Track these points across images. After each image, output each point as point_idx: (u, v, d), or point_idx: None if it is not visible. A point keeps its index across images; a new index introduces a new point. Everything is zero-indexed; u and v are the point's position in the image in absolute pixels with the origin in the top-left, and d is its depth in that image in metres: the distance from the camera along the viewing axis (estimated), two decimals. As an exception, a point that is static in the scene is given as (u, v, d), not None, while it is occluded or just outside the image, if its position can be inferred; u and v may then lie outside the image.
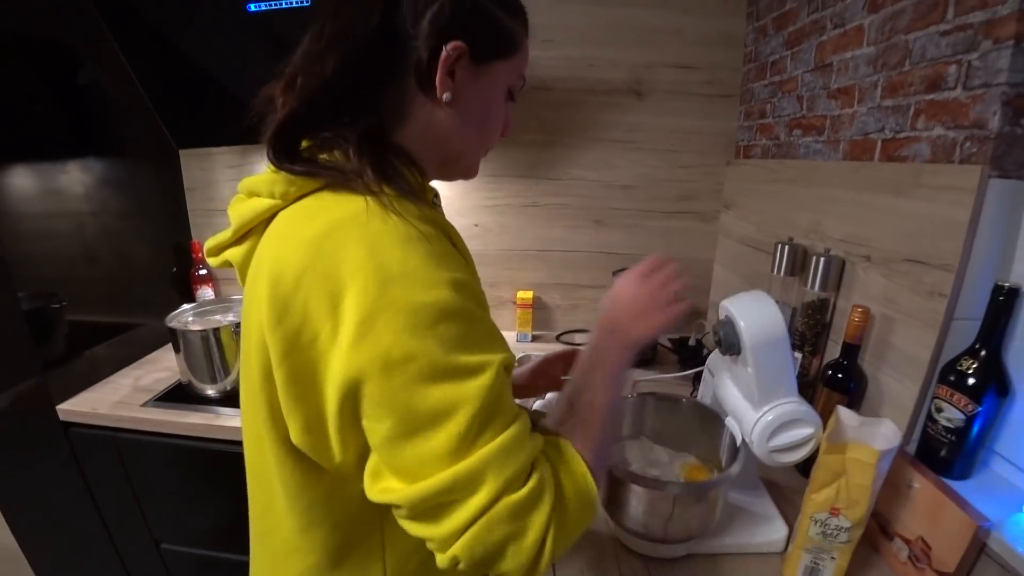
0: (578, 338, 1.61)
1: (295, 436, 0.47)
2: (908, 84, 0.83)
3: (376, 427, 0.43)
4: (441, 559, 0.45)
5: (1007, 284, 0.66)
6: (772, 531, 0.78)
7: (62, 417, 1.19)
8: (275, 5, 1.11)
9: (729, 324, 0.71)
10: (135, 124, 1.42)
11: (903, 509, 0.72)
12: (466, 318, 0.44)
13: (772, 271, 1.06)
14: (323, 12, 0.50)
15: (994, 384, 0.68)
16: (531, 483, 0.45)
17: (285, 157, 0.49)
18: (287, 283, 0.43)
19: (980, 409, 0.68)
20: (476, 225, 1.59)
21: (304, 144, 0.50)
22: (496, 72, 0.55)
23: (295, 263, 0.43)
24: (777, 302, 1.04)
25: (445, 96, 0.51)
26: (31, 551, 1.27)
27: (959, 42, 0.73)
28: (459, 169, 0.59)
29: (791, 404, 0.69)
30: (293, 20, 1.13)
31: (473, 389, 0.42)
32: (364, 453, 0.47)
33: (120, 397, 1.24)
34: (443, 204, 0.55)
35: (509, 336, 1.57)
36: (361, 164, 0.47)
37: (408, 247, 0.43)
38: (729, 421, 0.79)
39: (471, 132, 0.56)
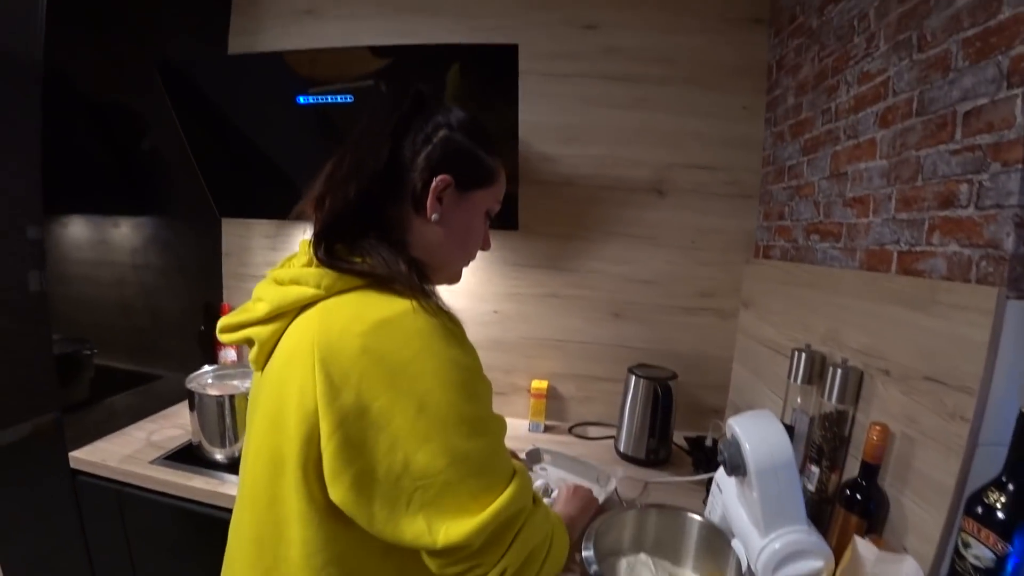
0: (591, 431, 1.55)
1: (339, 494, 0.53)
2: (921, 199, 0.83)
3: (433, 476, 0.52)
4: None
5: (1032, 413, 0.61)
6: (782, 672, 0.70)
7: (72, 464, 1.21)
8: (322, 100, 1.23)
9: (734, 445, 0.69)
10: (185, 190, 1.53)
11: (931, 662, 0.64)
12: (488, 386, 0.60)
13: (789, 378, 1.02)
14: (343, 145, 0.65)
15: (1026, 522, 0.62)
16: (540, 504, 0.63)
17: (331, 257, 0.59)
18: (344, 363, 0.52)
19: (1012, 549, 0.61)
20: (495, 312, 1.58)
21: (338, 247, 0.61)
22: (477, 198, 0.67)
23: (353, 347, 0.52)
24: (794, 411, 1.00)
25: (434, 216, 0.63)
26: (14, 587, 1.25)
27: (968, 162, 0.74)
28: (444, 276, 0.70)
29: (799, 534, 0.64)
30: (337, 113, 1.24)
31: (502, 435, 0.61)
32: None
33: (131, 451, 1.26)
34: (466, 290, 0.63)
35: (520, 425, 1.52)
36: (410, 273, 0.59)
37: (451, 339, 0.56)
38: (736, 544, 0.73)
39: (455, 246, 0.68)
